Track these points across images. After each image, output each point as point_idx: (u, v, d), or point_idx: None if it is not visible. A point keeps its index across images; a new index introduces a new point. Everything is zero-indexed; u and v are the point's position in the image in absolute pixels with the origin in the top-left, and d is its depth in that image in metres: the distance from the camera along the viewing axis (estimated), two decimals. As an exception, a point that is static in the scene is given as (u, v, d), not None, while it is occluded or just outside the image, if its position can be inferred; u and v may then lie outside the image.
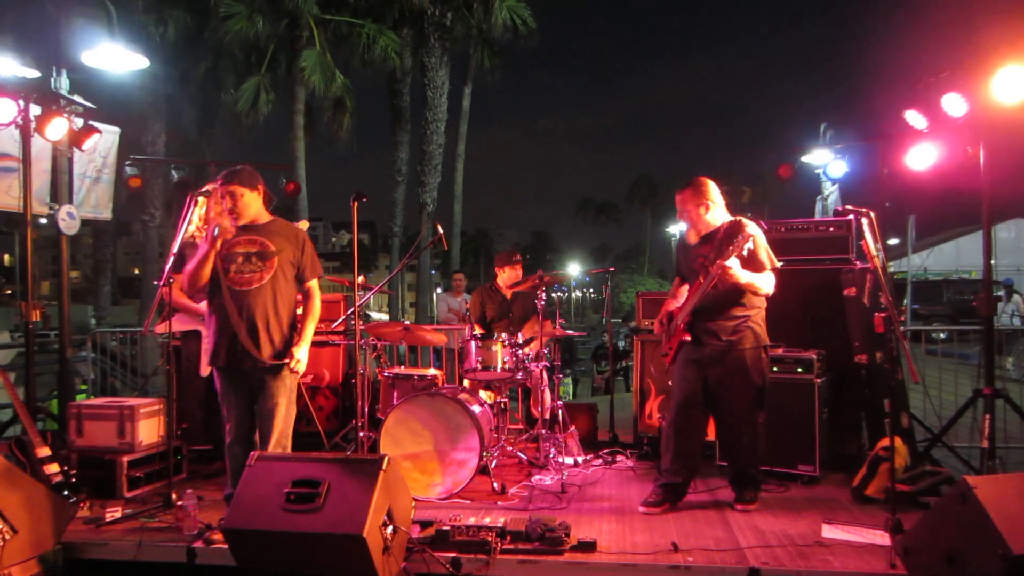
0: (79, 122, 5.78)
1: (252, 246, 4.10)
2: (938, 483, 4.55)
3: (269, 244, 4.11)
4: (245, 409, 4.16)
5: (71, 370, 6.41)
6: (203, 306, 4.75)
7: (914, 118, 5.32)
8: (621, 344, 17.77)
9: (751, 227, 4.19)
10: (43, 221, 6.20)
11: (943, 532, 3.06)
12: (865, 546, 3.70)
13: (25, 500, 3.69)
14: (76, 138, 5.74)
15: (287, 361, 4.08)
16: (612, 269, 7.49)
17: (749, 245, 4.01)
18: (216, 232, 3.99)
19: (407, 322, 5.53)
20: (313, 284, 4.29)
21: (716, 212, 4.37)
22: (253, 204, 4.13)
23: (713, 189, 4.38)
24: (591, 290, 75.51)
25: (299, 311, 4.29)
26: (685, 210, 4.40)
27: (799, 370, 4.99)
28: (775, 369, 4.94)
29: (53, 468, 4.47)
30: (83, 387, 8.24)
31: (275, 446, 4.06)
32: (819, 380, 4.95)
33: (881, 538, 3.70)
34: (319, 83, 19.19)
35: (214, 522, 3.95)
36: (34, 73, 5.83)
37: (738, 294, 4.25)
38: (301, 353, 4.12)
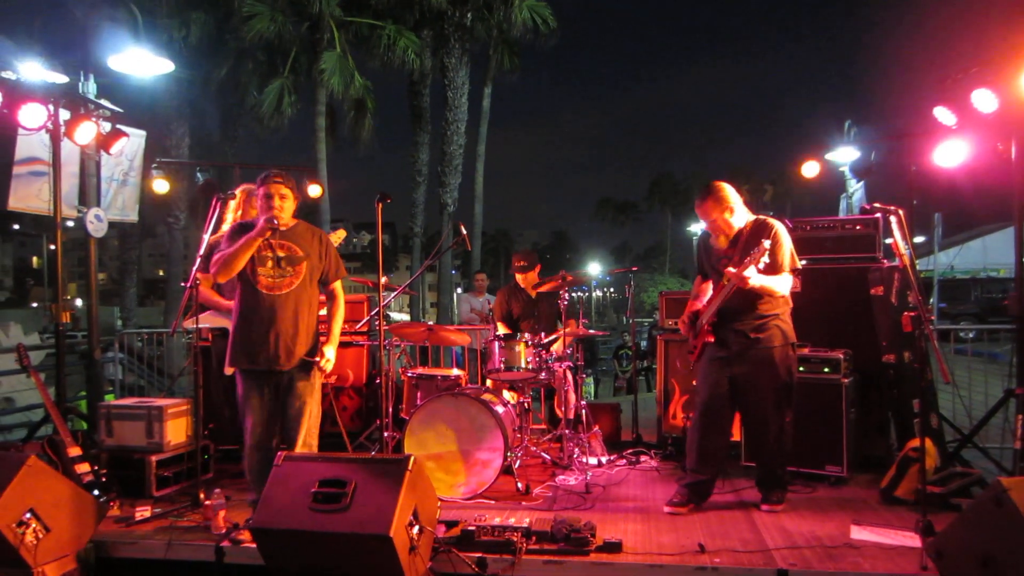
0: (107, 126, 5.85)
1: (282, 250, 4.14)
2: (969, 485, 4.49)
3: (297, 249, 4.16)
4: (268, 412, 4.16)
5: (99, 371, 6.49)
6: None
7: (943, 114, 5.24)
8: (643, 344, 17.71)
9: (776, 228, 4.21)
10: (70, 224, 6.28)
11: (977, 535, 3.01)
12: (895, 548, 3.66)
13: (58, 499, 3.74)
14: (104, 142, 5.81)
15: (317, 359, 4.15)
16: (635, 269, 7.45)
17: (765, 259, 3.98)
18: (265, 223, 3.97)
19: (430, 323, 5.54)
20: (337, 286, 4.36)
21: (738, 214, 4.34)
22: (290, 209, 4.19)
23: (731, 192, 4.35)
24: (612, 289, 75.25)
25: (322, 312, 4.34)
26: (711, 219, 4.36)
27: (826, 370, 4.94)
28: (801, 369, 4.89)
29: (84, 468, 4.54)
30: (110, 389, 8.35)
31: (302, 446, 4.09)
32: (846, 380, 4.90)
33: (912, 540, 3.66)
34: (338, 86, 19.30)
35: (241, 521, 4.00)
36: (62, 78, 5.91)
37: (762, 296, 4.23)
38: (331, 352, 4.20)
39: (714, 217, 4.34)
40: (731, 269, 4.05)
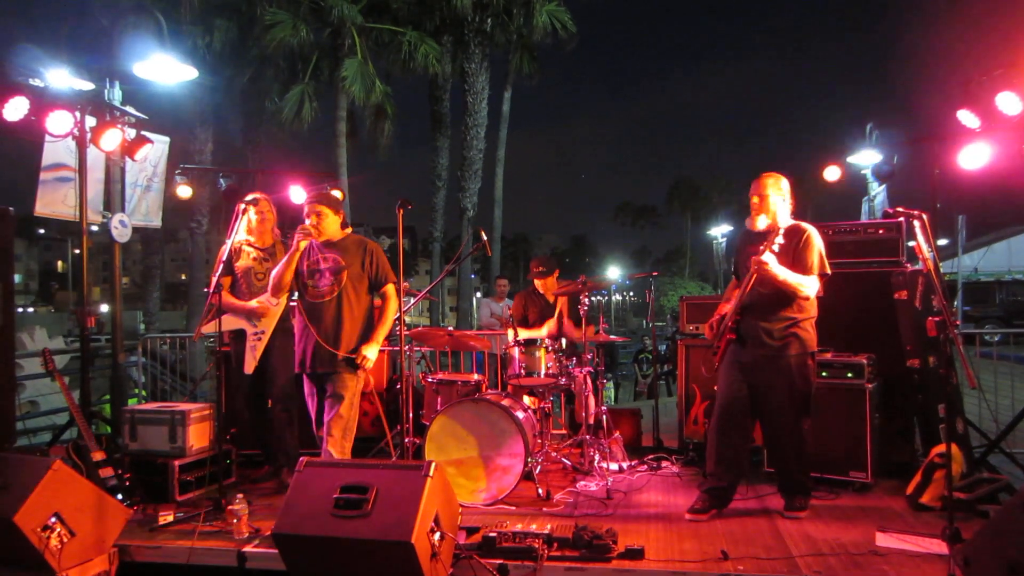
0: (132, 133, 5.91)
1: (328, 262, 4.59)
2: (996, 490, 4.44)
3: (341, 260, 4.58)
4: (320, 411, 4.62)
5: (123, 375, 6.56)
6: (252, 303, 4.91)
7: (967, 117, 5.20)
8: (663, 348, 17.63)
9: (809, 230, 4.25)
10: (94, 228, 6.35)
11: (1005, 542, 2.97)
12: (922, 555, 3.61)
13: (82, 504, 3.79)
14: (129, 148, 5.88)
15: (355, 357, 4.51)
16: (655, 274, 7.43)
17: (780, 239, 4.01)
18: (297, 241, 4.47)
19: (450, 328, 5.56)
20: (388, 289, 4.71)
21: (782, 209, 4.33)
22: (332, 224, 4.63)
23: (787, 187, 4.38)
24: (631, 293, 74.98)
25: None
26: (759, 192, 4.35)
27: (849, 375, 4.90)
28: (824, 374, 4.86)
29: (108, 472, 4.59)
30: (136, 391, 8.44)
31: (339, 438, 4.41)
32: (870, 385, 4.85)
33: (938, 547, 3.61)
34: (359, 93, 19.39)
35: (263, 527, 4.02)
36: (87, 85, 5.98)
37: (787, 296, 4.20)
38: (369, 351, 4.55)
39: (762, 192, 4.34)
40: (757, 257, 4.05)
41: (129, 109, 6.10)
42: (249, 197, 4.95)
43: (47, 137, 5.56)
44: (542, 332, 6.00)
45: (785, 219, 4.33)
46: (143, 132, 6.00)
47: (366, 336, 4.61)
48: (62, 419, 7.63)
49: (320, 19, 19.71)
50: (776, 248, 4.03)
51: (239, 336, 5.10)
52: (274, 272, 4.65)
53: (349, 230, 4.81)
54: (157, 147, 6.77)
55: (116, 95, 6.12)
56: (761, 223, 4.35)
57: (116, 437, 5.38)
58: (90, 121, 5.60)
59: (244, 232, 5.08)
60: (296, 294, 4.80)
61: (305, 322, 4.57)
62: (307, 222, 4.56)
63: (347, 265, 4.58)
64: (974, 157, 5.40)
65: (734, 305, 4.32)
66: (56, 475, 3.70)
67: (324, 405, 4.58)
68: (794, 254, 4.19)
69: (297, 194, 6.56)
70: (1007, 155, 5.28)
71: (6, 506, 3.54)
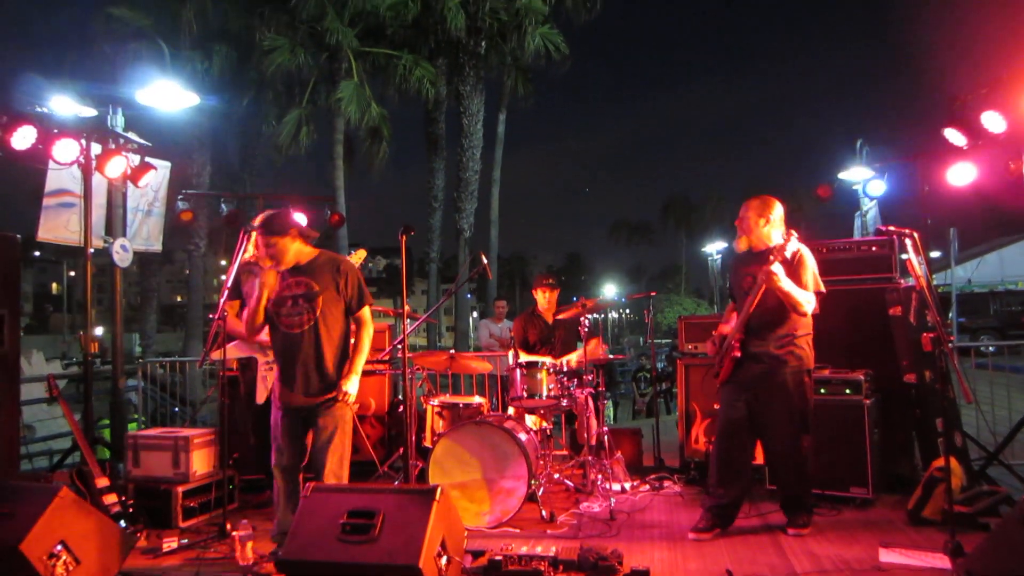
0: (135, 159, 5.92)
1: (299, 288, 4.14)
2: (996, 503, 4.47)
3: (313, 284, 4.13)
4: (297, 443, 4.18)
5: (123, 399, 6.56)
6: (262, 336, 4.88)
7: (953, 135, 5.28)
8: (661, 365, 17.64)
9: (801, 249, 4.32)
10: (91, 251, 6.38)
11: (1006, 555, 3.01)
12: (925, 570, 3.64)
13: (88, 531, 3.78)
14: (133, 175, 5.87)
15: (334, 395, 4.09)
16: (653, 294, 7.50)
17: (792, 246, 4.14)
18: (258, 286, 4.12)
19: (452, 351, 5.59)
20: (363, 313, 4.24)
21: (773, 231, 4.42)
22: (290, 248, 4.14)
23: (778, 209, 4.46)
24: (628, 311, 74.95)
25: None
26: (745, 216, 4.48)
27: (847, 391, 4.95)
28: (822, 391, 4.90)
29: (112, 498, 4.57)
30: (136, 416, 8.43)
31: (337, 467, 4.08)
32: (868, 401, 4.90)
33: (941, 561, 3.64)
34: (355, 115, 19.59)
35: (267, 552, 4.03)
36: (90, 111, 6.03)
37: (784, 313, 4.27)
38: (349, 386, 4.11)
39: (748, 215, 4.46)
40: (767, 268, 4.13)
41: (132, 135, 6.15)
42: (257, 222, 4.86)
43: (51, 164, 5.60)
44: (546, 360, 6.02)
45: (777, 240, 4.40)
46: (147, 159, 6.03)
47: (344, 366, 4.18)
48: (59, 444, 7.62)
49: (317, 43, 19.93)
50: (789, 254, 4.16)
51: (249, 364, 5.11)
52: (244, 315, 4.28)
53: (317, 252, 4.33)
54: (158, 172, 6.80)
55: (119, 121, 6.16)
56: (744, 244, 4.48)
57: (117, 462, 5.38)
58: (95, 148, 5.64)
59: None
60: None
61: (281, 354, 4.19)
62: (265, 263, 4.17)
63: (321, 290, 4.11)
64: (962, 174, 5.50)
65: (739, 323, 4.37)
66: (62, 502, 3.69)
67: (301, 441, 4.17)
68: (789, 272, 4.25)
69: (299, 219, 6.60)
70: (995, 171, 5.37)
71: (12, 534, 3.53)
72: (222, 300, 4.38)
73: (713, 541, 4.25)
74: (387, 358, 6.27)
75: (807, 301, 4.24)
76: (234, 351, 4.93)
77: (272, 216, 4.17)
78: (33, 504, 3.66)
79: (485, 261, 5.82)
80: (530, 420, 5.54)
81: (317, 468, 4.08)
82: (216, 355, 4.69)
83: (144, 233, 6.92)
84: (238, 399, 5.28)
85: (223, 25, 19.81)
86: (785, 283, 4.16)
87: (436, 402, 5.40)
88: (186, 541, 4.48)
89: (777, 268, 4.11)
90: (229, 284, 4.46)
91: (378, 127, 20.92)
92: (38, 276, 71.46)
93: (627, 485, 5.50)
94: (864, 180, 7.52)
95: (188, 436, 5.09)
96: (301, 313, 4.11)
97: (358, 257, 5.30)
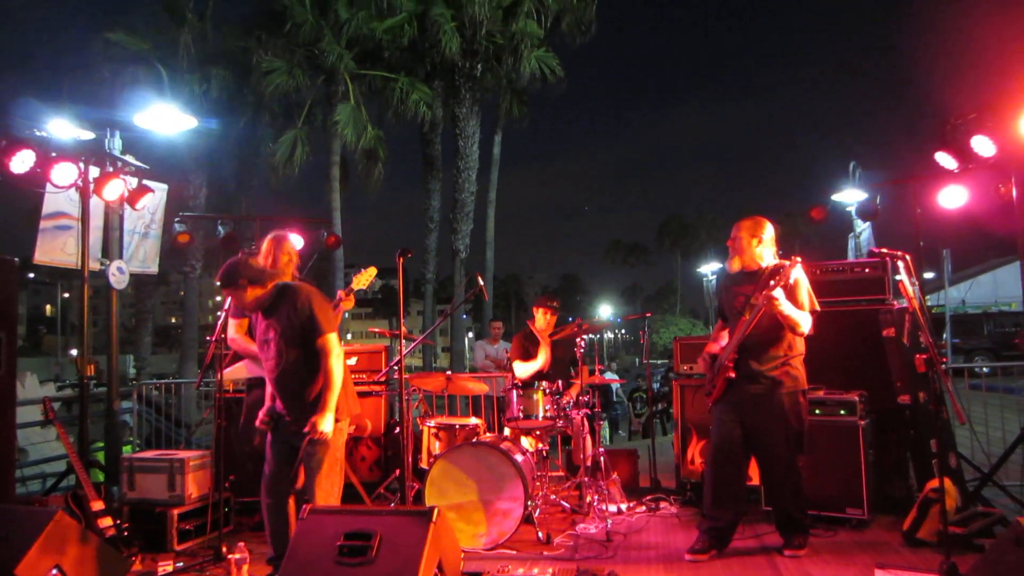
0: (133, 182, 5.94)
1: (269, 330, 4.07)
2: (991, 524, 4.48)
3: (277, 324, 4.04)
4: (287, 467, 4.11)
5: (118, 421, 6.54)
6: None
7: (944, 159, 5.35)
8: (656, 385, 17.65)
9: (797, 267, 4.31)
10: (86, 274, 6.39)
11: (1001, 575, 3.02)
12: (920, 592, 3.65)
13: (83, 555, 3.78)
14: (131, 198, 5.89)
15: (307, 432, 3.90)
16: (648, 315, 7.53)
17: (795, 273, 4.17)
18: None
19: (448, 372, 5.60)
20: (328, 340, 3.98)
21: (765, 251, 4.47)
22: (248, 295, 4.01)
23: (769, 229, 4.51)
24: (623, 331, 75.04)
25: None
26: (737, 236, 4.53)
27: (842, 412, 4.97)
28: (817, 412, 4.93)
29: (107, 522, 4.54)
30: (131, 438, 8.39)
31: (329, 492, 4.01)
32: (863, 422, 4.92)
33: (936, 583, 3.65)
34: (351, 137, 19.74)
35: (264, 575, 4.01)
36: (89, 135, 6.06)
37: (778, 334, 4.31)
38: (323, 424, 3.88)
39: (740, 235, 4.51)
40: (768, 292, 4.15)
41: (129, 158, 6.18)
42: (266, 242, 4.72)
43: (48, 187, 5.63)
44: (538, 361, 6.05)
45: (769, 259, 4.46)
46: (144, 181, 6.06)
47: (319, 401, 3.96)
48: (52, 467, 7.58)
49: (314, 66, 20.11)
50: (792, 281, 4.19)
51: (258, 383, 5.11)
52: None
53: (272, 289, 4.09)
54: (155, 194, 6.81)
55: (117, 144, 6.20)
56: (737, 265, 4.52)
57: (111, 485, 5.35)
58: (93, 171, 5.67)
59: None
60: None
61: (271, 386, 4.17)
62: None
63: (283, 328, 4.00)
64: (953, 197, 5.57)
65: (733, 343, 4.39)
66: (57, 527, 3.69)
67: (288, 466, 4.09)
68: (787, 294, 4.28)
69: (296, 241, 6.61)
70: (986, 194, 5.44)
71: (7, 558, 3.52)
72: (219, 323, 4.40)
73: (710, 562, 4.25)
74: (383, 379, 6.28)
75: (805, 321, 4.29)
76: (242, 371, 4.92)
77: (225, 269, 4.06)
78: (28, 528, 3.65)
79: (481, 282, 5.86)
80: (526, 441, 5.55)
81: (310, 494, 4.02)
82: (231, 373, 4.65)
83: (140, 255, 6.93)
84: (236, 420, 5.27)
85: (221, 48, 20.03)
86: (786, 307, 4.20)
87: (432, 423, 5.40)
88: (181, 564, 4.47)
89: (779, 293, 4.14)
90: (227, 307, 4.47)
91: (374, 149, 21.04)
92: (31, 298, 71.24)
93: (623, 506, 5.51)
94: (857, 202, 7.61)
95: (184, 458, 5.08)
96: (273, 355, 4.06)
97: (368, 275, 5.28)
